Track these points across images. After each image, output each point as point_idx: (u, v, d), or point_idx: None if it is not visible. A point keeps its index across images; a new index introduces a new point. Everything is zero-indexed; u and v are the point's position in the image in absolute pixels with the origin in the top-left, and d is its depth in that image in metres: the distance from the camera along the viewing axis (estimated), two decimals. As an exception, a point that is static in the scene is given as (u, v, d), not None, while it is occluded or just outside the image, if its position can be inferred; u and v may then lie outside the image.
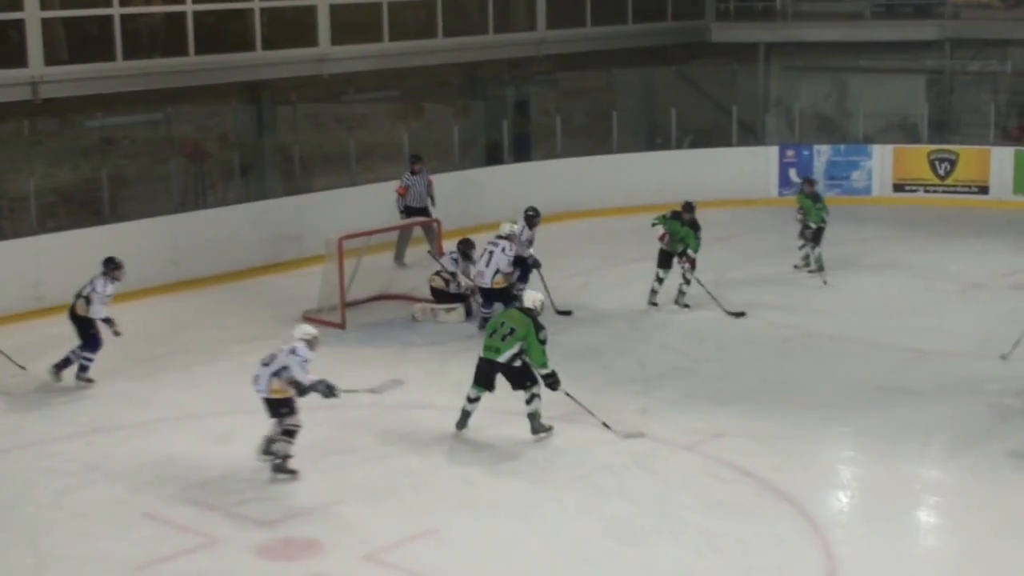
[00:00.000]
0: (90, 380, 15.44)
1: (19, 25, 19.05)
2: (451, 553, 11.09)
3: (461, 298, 17.92)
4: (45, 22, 19.27)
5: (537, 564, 10.88)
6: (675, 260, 18.07)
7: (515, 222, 17.84)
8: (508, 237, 17.36)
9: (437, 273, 18.09)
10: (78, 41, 20.20)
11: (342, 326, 17.42)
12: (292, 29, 22.58)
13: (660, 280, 18.12)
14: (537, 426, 13.46)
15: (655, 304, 18.05)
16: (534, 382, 13.38)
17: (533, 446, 13.31)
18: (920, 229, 22.72)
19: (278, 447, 12.63)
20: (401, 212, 20.37)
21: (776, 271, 20.02)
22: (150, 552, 11.09)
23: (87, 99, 20.09)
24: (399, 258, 20.66)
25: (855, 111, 26.87)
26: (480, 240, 18.12)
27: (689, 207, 18.15)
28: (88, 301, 15.33)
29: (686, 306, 18.05)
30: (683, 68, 27.90)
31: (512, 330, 13.35)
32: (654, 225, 18.14)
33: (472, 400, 13.62)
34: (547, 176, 24.19)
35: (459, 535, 11.42)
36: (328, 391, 12.65)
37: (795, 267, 19.93)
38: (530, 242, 17.96)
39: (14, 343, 16.93)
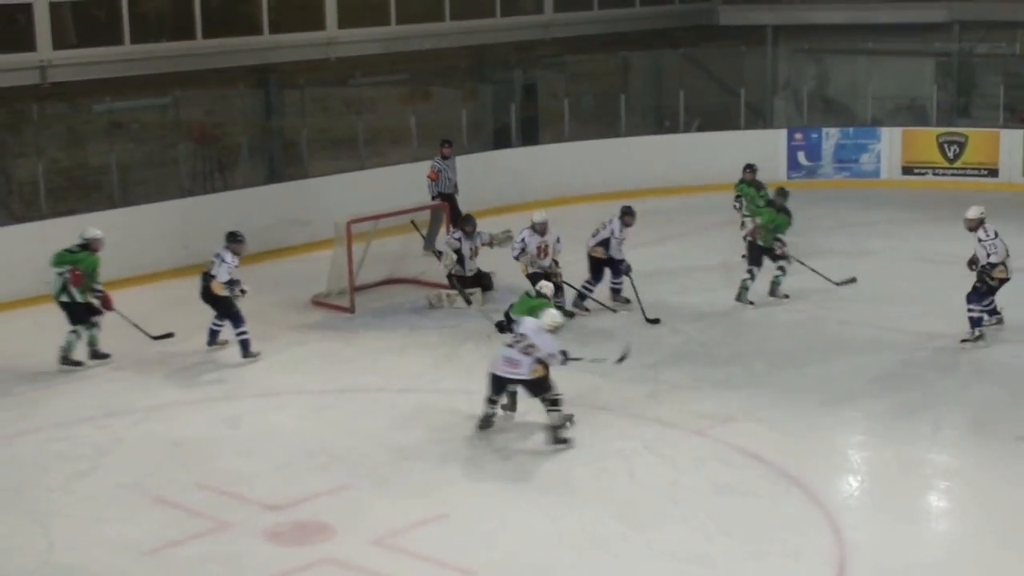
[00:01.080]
0: (256, 354, 15.68)
1: (27, 9, 19.06)
2: (461, 537, 11.10)
3: (479, 280, 17.83)
4: (53, 6, 19.27)
5: (547, 548, 10.89)
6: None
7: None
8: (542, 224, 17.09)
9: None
10: (86, 25, 20.23)
11: (351, 310, 17.43)
12: (299, 12, 22.57)
13: (753, 277, 17.52)
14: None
15: (751, 303, 17.47)
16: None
17: (542, 431, 13.28)
18: (929, 212, 22.66)
19: (554, 417, 12.86)
20: (434, 198, 20.14)
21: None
22: (161, 536, 11.12)
23: (95, 83, 20.11)
24: (430, 246, 20.12)
25: (864, 94, 26.81)
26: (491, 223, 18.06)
27: (783, 193, 17.79)
28: (230, 286, 15.55)
29: (786, 296, 17.62)
30: (691, 51, 27.86)
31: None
32: (746, 215, 17.60)
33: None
34: (555, 160, 24.19)
35: (469, 519, 11.44)
36: (565, 359, 13.11)
37: (743, 257, 18.78)
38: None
39: (23, 327, 17.01)
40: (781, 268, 17.63)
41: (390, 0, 23.40)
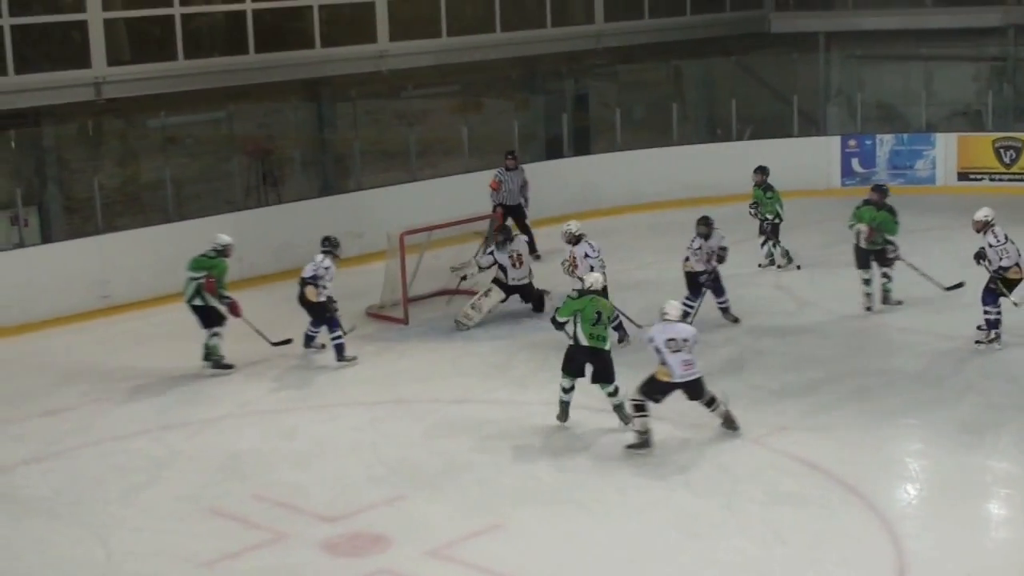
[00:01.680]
0: (352, 358, 15.96)
1: (82, 26, 19.21)
2: (516, 547, 11.08)
3: (529, 295, 17.76)
4: (107, 23, 19.42)
5: (602, 558, 10.86)
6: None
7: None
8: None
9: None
10: (140, 41, 20.38)
11: (405, 321, 17.46)
12: (351, 26, 22.64)
13: (868, 282, 17.32)
14: (626, 415, 13.49)
15: (869, 309, 17.34)
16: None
17: (596, 440, 13.28)
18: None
19: (721, 411, 13.24)
20: (495, 209, 20.10)
21: (838, 261, 19.85)
22: (218, 548, 11.17)
23: (149, 98, 20.25)
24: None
25: (918, 99, 26.61)
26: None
27: (881, 190, 17.57)
28: (315, 285, 15.77)
29: (899, 302, 17.44)
30: (743, 59, 27.74)
31: (609, 319, 13.55)
32: (851, 227, 17.43)
33: (568, 390, 13.64)
34: (607, 169, 24.14)
35: (524, 529, 11.42)
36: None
37: (760, 266, 19.54)
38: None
39: (80, 342, 17.15)
40: (886, 275, 17.38)
41: (441, 12, 23.43)
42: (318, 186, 23.01)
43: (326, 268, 15.89)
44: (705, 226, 16.89)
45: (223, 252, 15.87)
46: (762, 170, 19.73)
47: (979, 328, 15.83)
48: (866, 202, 17.62)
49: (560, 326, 13.66)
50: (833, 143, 25.45)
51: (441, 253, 19.01)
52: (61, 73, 19.13)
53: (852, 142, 25.32)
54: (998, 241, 15.69)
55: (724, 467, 12.57)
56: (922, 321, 16.97)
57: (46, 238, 19.50)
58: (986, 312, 15.74)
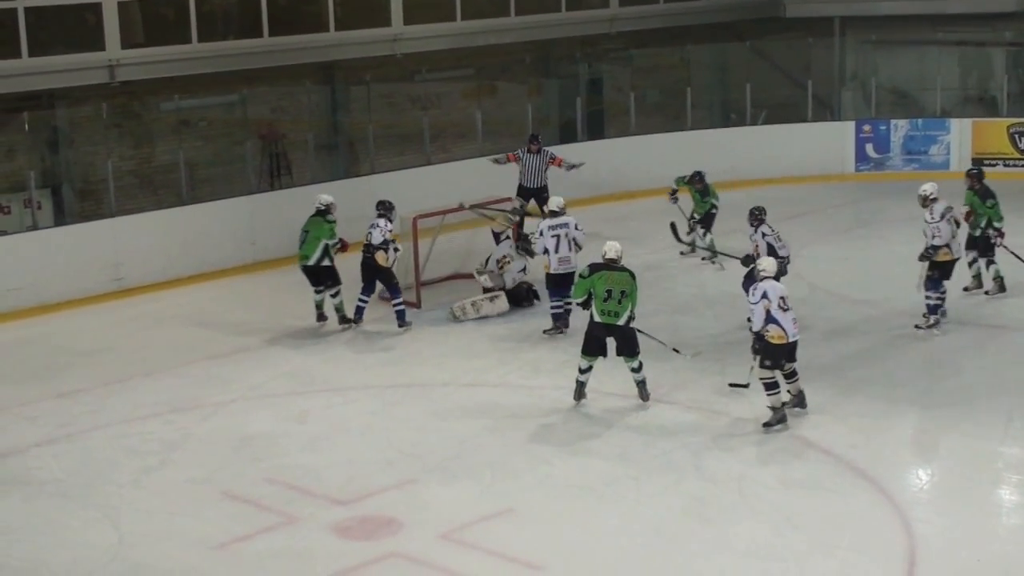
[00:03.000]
0: (410, 323, 16.55)
1: (96, 9, 19.21)
2: (527, 532, 11.10)
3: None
4: (121, 5, 19.41)
5: (614, 543, 10.87)
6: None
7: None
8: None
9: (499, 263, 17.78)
10: (154, 24, 20.37)
11: (418, 305, 17.45)
12: (365, 9, 22.61)
13: (971, 264, 17.14)
14: (647, 392, 13.57)
15: (987, 292, 17.22)
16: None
17: (609, 425, 13.28)
18: (1001, 204, 22.36)
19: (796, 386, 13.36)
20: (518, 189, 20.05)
21: (852, 247, 19.84)
22: (229, 531, 11.20)
23: (163, 81, 20.27)
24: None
25: (932, 85, 26.50)
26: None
27: (971, 174, 17.26)
28: (386, 250, 16.29)
29: (1002, 290, 17.18)
30: (757, 43, 27.64)
31: (623, 292, 13.50)
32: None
33: (585, 371, 13.68)
34: (621, 153, 24.09)
35: (535, 514, 11.43)
36: None
37: (682, 253, 19.32)
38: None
39: (93, 324, 17.18)
40: (990, 260, 17.11)
41: (455, -4, 23.45)
42: (331, 169, 23.00)
43: (389, 231, 16.39)
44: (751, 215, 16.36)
45: (329, 211, 16.68)
46: (700, 175, 19.34)
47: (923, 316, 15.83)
48: (970, 187, 17.34)
49: (583, 305, 13.71)
50: (847, 128, 25.38)
51: (454, 236, 19.01)
52: (75, 56, 19.15)
53: (866, 127, 25.24)
54: (932, 219, 15.62)
55: (735, 452, 12.57)
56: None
57: (59, 221, 19.53)
58: (927, 297, 15.77)
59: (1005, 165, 24.70)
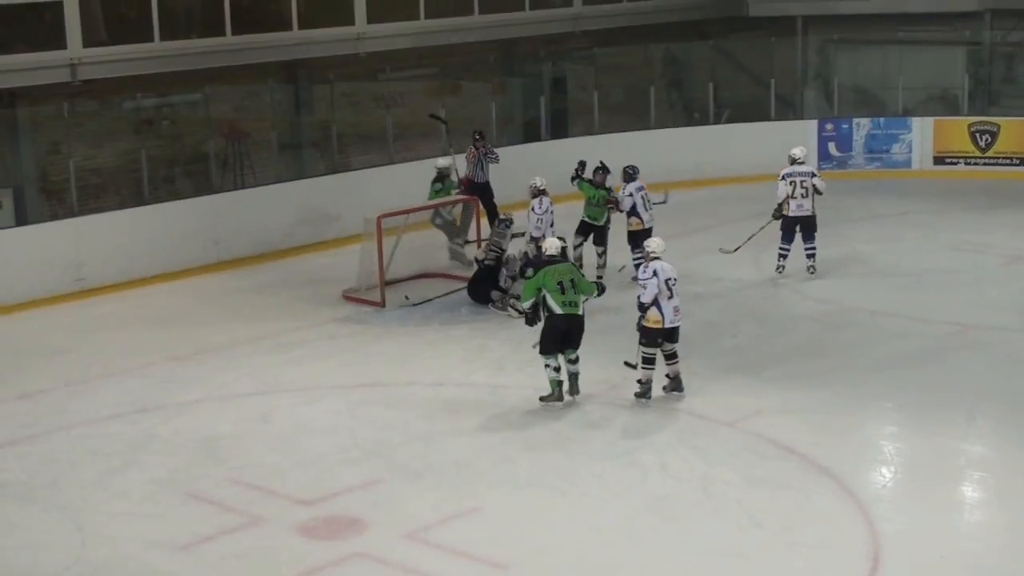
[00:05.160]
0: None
1: (57, 7, 19.09)
2: (492, 531, 11.10)
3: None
4: (83, 4, 19.31)
5: (579, 541, 10.88)
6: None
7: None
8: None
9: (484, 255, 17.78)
10: (116, 22, 20.28)
11: (382, 304, 17.43)
12: (328, 8, 22.56)
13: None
14: (577, 387, 13.76)
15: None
16: None
17: (574, 423, 13.30)
18: (961, 202, 22.56)
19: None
20: (461, 181, 20.04)
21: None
22: (194, 531, 11.15)
23: (125, 80, 20.17)
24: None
25: (895, 84, 26.65)
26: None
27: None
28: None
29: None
30: (720, 42, 27.73)
31: (572, 281, 13.63)
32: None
33: (558, 369, 13.68)
34: (585, 152, 24.02)
35: (501, 513, 11.44)
36: None
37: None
38: None
39: (54, 324, 17.09)
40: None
41: (419, -6, 23.44)
42: (295, 169, 22.95)
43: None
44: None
45: (446, 174, 18.96)
46: (603, 169, 19.11)
47: None
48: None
49: (530, 317, 13.81)
50: (810, 127, 25.50)
51: (418, 236, 19.00)
52: (36, 54, 19.03)
53: (829, 126, 25.37)
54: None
55: (699, 450, 12.60)
56: (896, 304, 17.02)
57: (20, 220, 19.37)
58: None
59: (966, 163, 24.87)
